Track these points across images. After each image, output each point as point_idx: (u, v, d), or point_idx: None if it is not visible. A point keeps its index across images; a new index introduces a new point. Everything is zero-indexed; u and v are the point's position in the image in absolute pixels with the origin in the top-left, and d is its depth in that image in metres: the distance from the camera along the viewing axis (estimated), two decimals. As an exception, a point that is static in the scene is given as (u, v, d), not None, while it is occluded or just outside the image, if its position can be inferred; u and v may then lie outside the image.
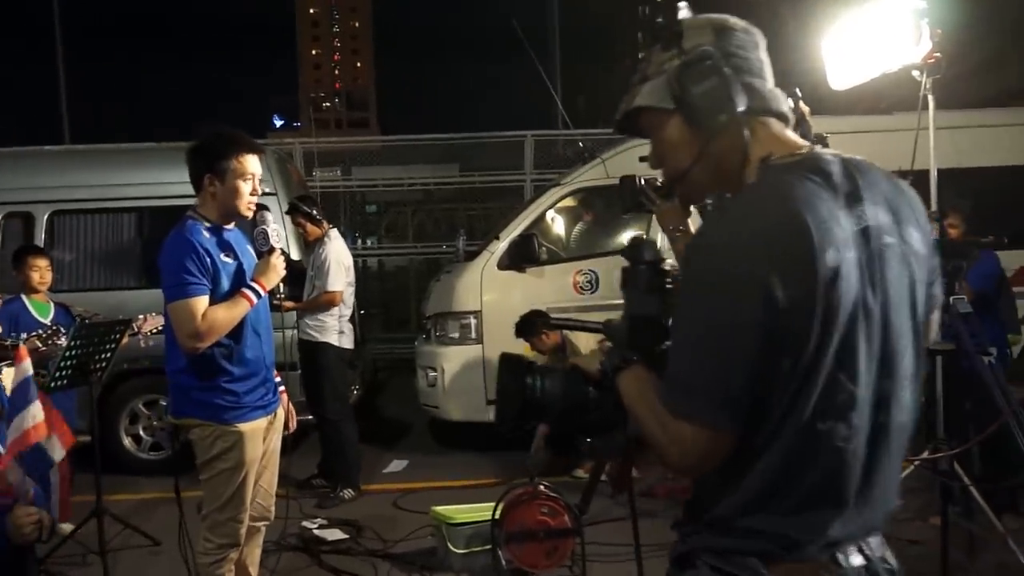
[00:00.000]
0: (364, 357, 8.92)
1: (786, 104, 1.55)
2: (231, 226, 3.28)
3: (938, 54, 4.08)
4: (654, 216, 6.79)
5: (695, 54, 1.51)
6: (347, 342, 5.98)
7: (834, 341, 1.34)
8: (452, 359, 6.66)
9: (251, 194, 3.19)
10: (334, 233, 5.98)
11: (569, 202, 7.15)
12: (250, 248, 3.36)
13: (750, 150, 1.50)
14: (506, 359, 1.69)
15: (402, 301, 13.19)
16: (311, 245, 6.04)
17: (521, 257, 6.55)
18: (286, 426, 3.55)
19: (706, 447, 1.36)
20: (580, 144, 7.76)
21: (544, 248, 6.74)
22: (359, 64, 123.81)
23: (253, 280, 3.22)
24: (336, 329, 5.88)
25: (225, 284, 3.14)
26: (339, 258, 5.85)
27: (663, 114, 1.54)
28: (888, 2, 4.06)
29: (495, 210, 12.70)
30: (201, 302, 3.05)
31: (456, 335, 6.67)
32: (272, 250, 3.26)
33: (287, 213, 6.09)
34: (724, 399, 1.33)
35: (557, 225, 7.30)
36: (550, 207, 6.94)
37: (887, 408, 1.42)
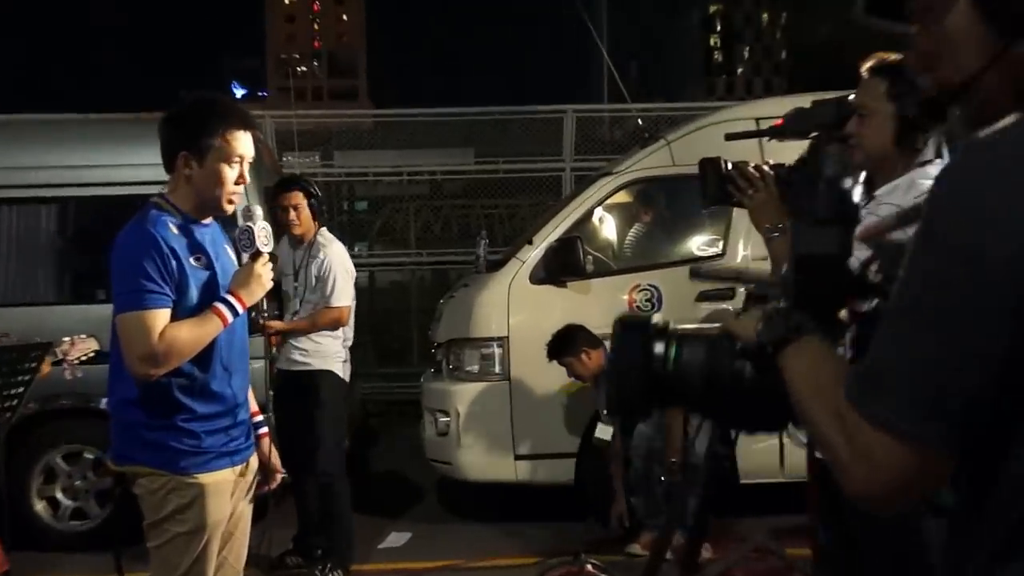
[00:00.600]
0: (353, 397, 8.97)
1: None
2: (207, 221, 3.34)
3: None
4: (734, 213, 6.80)
5: None
6: (347, 374, 6.05)
7: None
8: (470, 400, 6.69)
9: (237, 182, 3.23)
10: (327, 233, 6.05)
11: (623, 197, 7.19)
12: (229, 251, 3.41)
13: None
14: (624, 321, 1.63)
15: (401, 325, 13.27)
16: (294, 244, 6.04)
17: (561, 267, 6.58)
18: (264, 482, 3.58)
19: (904, 469, 1.27)
20: (639, 121, 7.80)
21: (591, 256, 6.78)
22: (346, 17, 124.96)
23: (230, 292, 3.25)
24: (340, 356, 5.94)
25: (193, 295, 3.19)
26: (345, 264, 5.93)
27: None
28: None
29: (523, 208, 12.78)
30: (160, 316, 3.09)
31: (475, 368, 6.71)
32: (258, 254, 3.29)
33: (280, 189, 6.05)
34: (938, 403, 1.24)
35: (607, 226, 7.33)
36: (598, 203, 6.97)
37: None
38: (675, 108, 10.89)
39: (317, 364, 5.86)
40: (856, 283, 1.47)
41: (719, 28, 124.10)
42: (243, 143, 3.24)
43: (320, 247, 5.90)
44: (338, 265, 5.87)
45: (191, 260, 3.20)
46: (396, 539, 6.70)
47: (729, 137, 3.61)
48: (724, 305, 6.50)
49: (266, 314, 5.45)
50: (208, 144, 3.18)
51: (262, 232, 3.31)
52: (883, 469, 1.28)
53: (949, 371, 1.23)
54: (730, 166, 3.21)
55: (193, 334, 3.14)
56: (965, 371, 1.23)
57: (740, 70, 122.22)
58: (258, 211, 3.36)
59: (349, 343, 6.05)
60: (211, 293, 3.23)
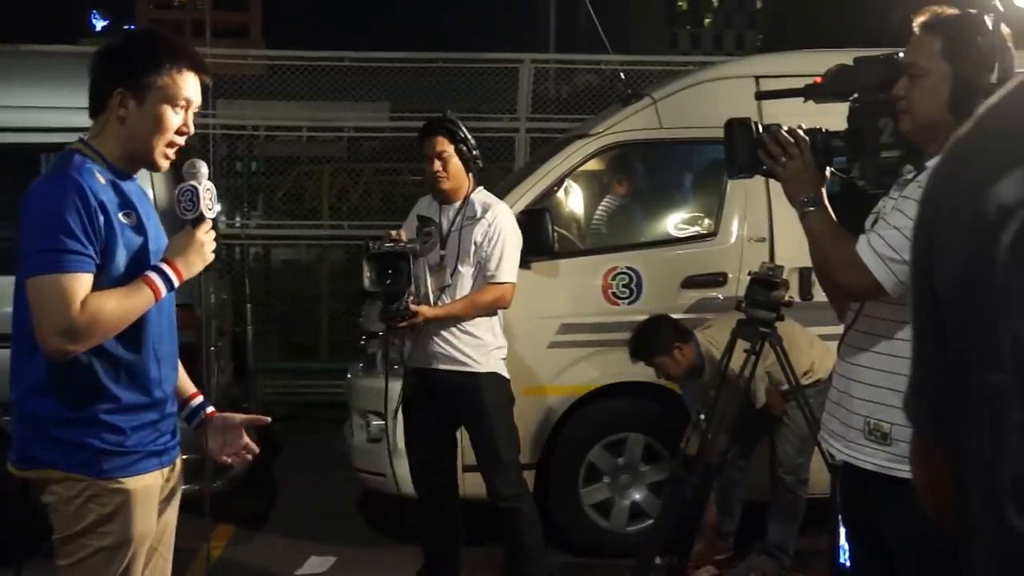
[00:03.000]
0: (255, 398, 9.03)
1: None
2: (135, 175, 3.35)
3: None
4: (728, 185, 6.95)
5: None
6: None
7: (1002, 345, 1.38)
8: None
9: (180, 132, 3.25)
10: (484, 191, 5.87)
11: (596, 164, 7.32)
12: (156, 215, 3.42)
13: None
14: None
15: (307, 312, 13.29)
16: (441, 202, 5.81)
17: (526, 246, 6.64)
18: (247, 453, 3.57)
19: (917, 462, 1.71)
20: (620, 75, 7.94)
21: (558, 233, 6.89)
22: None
23: (165, 261, 3.23)
24: (503, 352, 5.76)
25: (121, 261, 3.16)
26: (516, 230, 5.78)
27: None
28: None
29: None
30: (82, 281, 3.05)
31: (419, 363, 6.78)
32: (201, 219, 3.27)
33: (421, 134, 5.79)
34: (916, 392, 1.63)
35: (576, 199, 7.46)
36: (571, 171, 7.05)
37: None
38: (661, 62, 11.11)
39: (480, 364, 5.61)
40: None
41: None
42: (192, 86, 3.25)
43: (484, 207, 5.68)
44: (510, 230, 5.67)
45: (120, 216, 3.17)
46: (318, 564, 6.78)
47: (761, 96, 3.77)
48: (713, 293, 6.69)
49: (410, 299, 5.38)
50: (152, 82, 3.18)
51: (207, 193, 3.26)
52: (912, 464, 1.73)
53: (915, 359, 1.69)
54: (761, 129, 3.31)
55: (121, 306, 3.10)
56: (919, 361, 1.70)
57: (708, 21, 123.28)
58: (204, 168, 3.30)
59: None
60: (141, 260, 3.22)
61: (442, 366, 5.64)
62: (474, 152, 5.68)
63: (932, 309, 1.51)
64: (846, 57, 3.67)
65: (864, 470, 3.15)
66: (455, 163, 5.62)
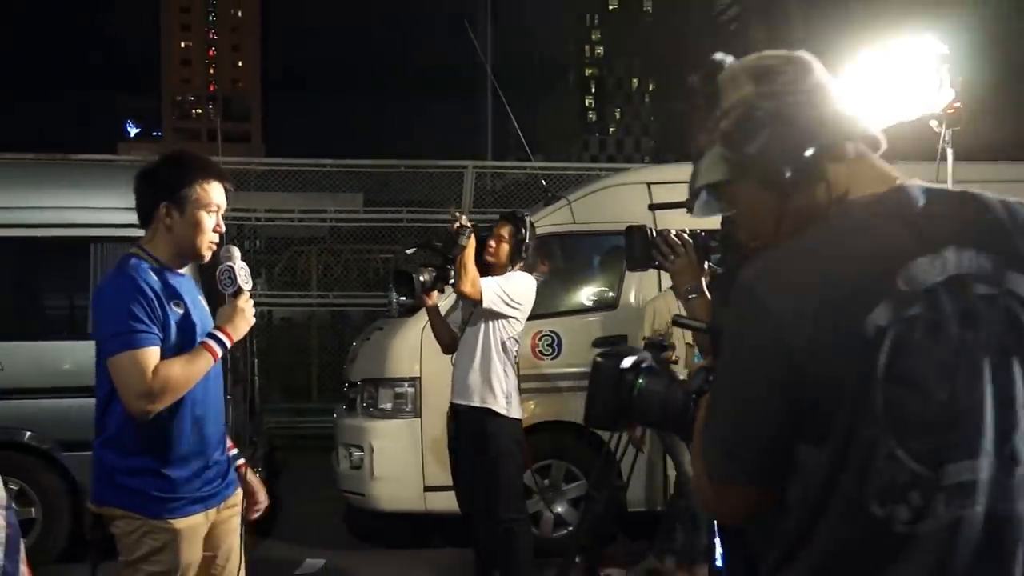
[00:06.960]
0: (262, 432, 9.05)
1: (871, 123, 1.70)
2: (183, 272, 3.43)
3: (959, 104, 4.59)
4: (625, 268, 7.03)
5: (737, 112, 1.67)
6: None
7: (876, 410, 1.50)
8: (384, 435, 6.85)
9: (214, 230, 3.35)
10: (519, 272, 5.44)
11: (523, 250, 7.45)
12: (203, 301, 3.49)
13: (832, 191, 1.65)
14: (607, 354, 2.08)
15: (302, 364, 13.31)
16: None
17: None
18: (252, 509, 3.64)
19: (731, 503, 1.69)
20: (542, 182, 8.14)
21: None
22: (241, 63, 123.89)
23: (218, 328, 3.31)
24: (505, 390, 5.43)
25: (173, 337, 3.24)
26: (520, 284, 5.37)
27: (730, 186, 1.74)
28: (909, 45, 4.55)
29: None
30: (151, 354, 3.14)
31: (388, 406, 6.86)
32: (239, 292, 3.36)
33: (500, 220, 5.58)
34: (731, 451, 1.64)
35: (510, 278, 7.59)
36: (505, 256, 7.20)
37: (983, 495, 1.51)
38: (573, 167, 11.44)
39: (476, 399, 5.41)
40: None
41: (593, 90, 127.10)
42: (218, 192, 3.36)
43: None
44: (511, 278, 5.32)
45: (171, 305, 3.27)
46: (311, 566, 6.77)
47: (654, 207, 3.88)
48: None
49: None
50: (187, 194, 3.29)
51: (241, 271, 3.36)
52: (717, 502, 1.71)
53: (737, 424, 1.64)
54: (654, 233, 3.34)
55: (186, 369, 3.19)
56: (748, 424, 1.62)
57: (612, 130, 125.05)
58: (236, 252, 3.42)
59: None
60: (191, 337, 3.29)
61: (456, 400, 5.53)
62: (523, 247, 5.38)
63: (787, 385, 1.55)
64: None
65: None
66: (504, 247, 5.39)
